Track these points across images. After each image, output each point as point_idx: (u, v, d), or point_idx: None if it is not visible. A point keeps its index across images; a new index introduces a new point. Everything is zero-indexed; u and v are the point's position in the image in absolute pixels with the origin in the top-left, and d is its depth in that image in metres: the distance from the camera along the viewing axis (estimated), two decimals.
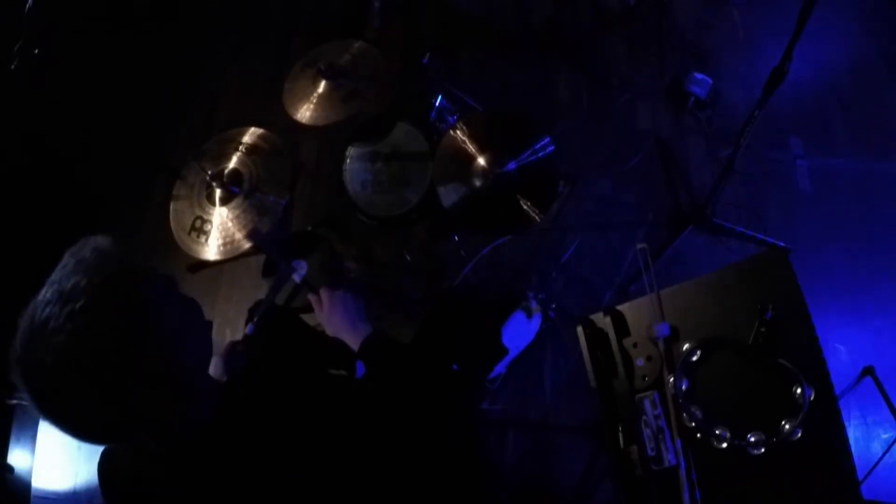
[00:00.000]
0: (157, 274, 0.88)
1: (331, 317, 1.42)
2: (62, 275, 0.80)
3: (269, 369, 1.57)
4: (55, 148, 2.99)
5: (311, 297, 1.48)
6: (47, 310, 0.77)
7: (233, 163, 2.01)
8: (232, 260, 1.96)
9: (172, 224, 1.98)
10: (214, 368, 1.39)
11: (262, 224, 1.88)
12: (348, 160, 2.11)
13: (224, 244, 1.90)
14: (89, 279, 0.78)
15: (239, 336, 1.50)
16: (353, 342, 1.35)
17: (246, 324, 1.78)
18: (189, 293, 0.94)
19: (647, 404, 1.43)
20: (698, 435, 1.36)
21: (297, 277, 1.63)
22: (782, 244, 2.26)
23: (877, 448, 2.00)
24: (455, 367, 1.46)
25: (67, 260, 0.83)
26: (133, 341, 0.79)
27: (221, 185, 1.94)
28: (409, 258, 2.46)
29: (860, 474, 1.28)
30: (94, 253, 0.83)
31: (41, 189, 2.90)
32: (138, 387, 0.80)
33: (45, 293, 0.79)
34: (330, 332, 1.42)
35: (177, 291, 0.91)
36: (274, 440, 0.95)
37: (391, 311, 2.38)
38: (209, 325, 0.99)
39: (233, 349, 1.44)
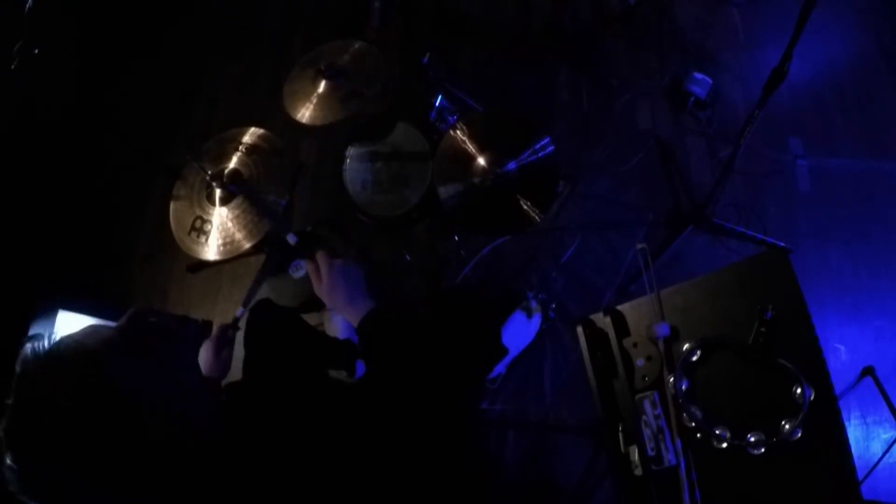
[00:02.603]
0: (117, 342, 0.84)
1: (329, 288, 1.27)
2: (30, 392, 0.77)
3: (271, 372, 1.57)
4: (55, 149, 2.99)
5: (308, 265, 1.32)
6: (28, 413, 0.75)
7: (233, 163, 2.01)
8: (232, 260, 1.96)
9: (172, 224, 1.98)
10: (205, 353, 1.38)
11: (263, 224, 1.88)
12: (348, 160, 2.11)
13: (224, 244, 1.90)
14: (63, 396, 0.76)
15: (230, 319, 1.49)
16: (352, 317, 1.25)
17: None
18: (188, 294, 0.94)
19: (647, 404, 1.43)
20: (698, 435, 1.36)
21: (290, 239, 1.55)
22: (782, 244, 2.26)
23: (877, 448, 2.00)
24: (455, 367, 1.45)
25: (30, 374, 0.79)
26: (116, 427, 0.77)
27: (221, 185, 1.94)
28: (409, 258, 2.46)
29: (860, 474, 1.28)
30: (49, 369, 0.79)
31: (41, 189, 2.90)
32: (133, 459, 0.79)
33: (17, 408, 0.76)
34: (327, 304, 1.31)
35: (145, 336, 0.88)
36: (274, 443, 0.95)
37: (392, 308, 2.38)
38: (197, 341, 0.98)
39: (223, 334, 1.43)
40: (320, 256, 1.30)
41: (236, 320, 1.44)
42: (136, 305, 0.97)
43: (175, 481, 0.89)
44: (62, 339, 0.82)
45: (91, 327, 0.87)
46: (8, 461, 0.74)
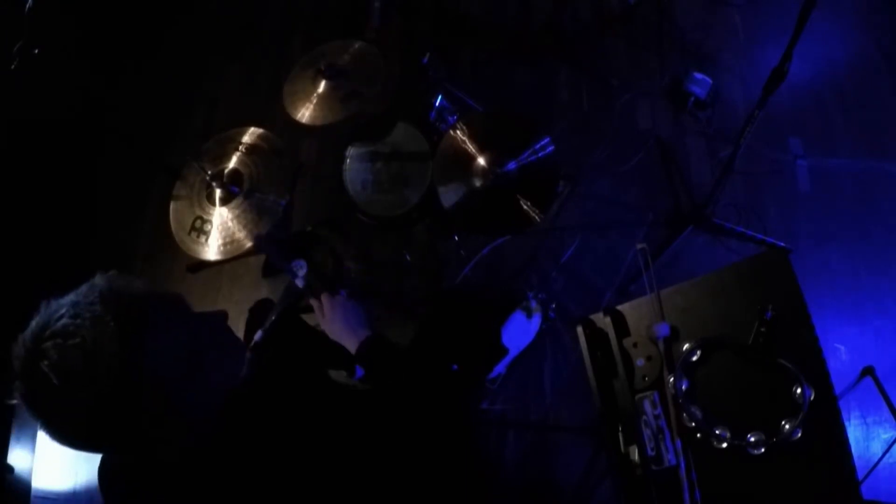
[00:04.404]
0: (174, 309, 0.90)
1: (332, 322, 1.43)
2: (83, 295, 0.81)
3: (272, 372, 1.57)
4: (55, 148, 2.99)
5: (313, 303, 1.50)
6: (60, 322, 0.78)
7: (233, 163, 2.01)
8: (232, 260, 1.97)
9: (172, 224, 1.98)
10: None
11: (263, 224, 1.88)
12: (348, 160, 2.11)
13: (224, 244, 1.90)
14: (105, 307, 0.79)
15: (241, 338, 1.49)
16: (351, 345, 1.37)
17: (247, 326, 1.78)
18: (188, 294, 0.95)
19: (647, 404, 1.43)
20: (698, 435, 1.36)
21: (299, 283, 1.63)
22: (782, 244, 2.26)
23: (877, 448, 2.00)
24: (455, 367, 1.46)
25: (98, 280, 0.84)
26: (133, 379, 0.79)
27: (221, 185, 1.94)
28: (409, 258, 2.46)
29: (860, 474, 1.28)
30: (120, 287, 0.84)
31: (41, 189, 2.90)
32: (133, 418, 0.81)
33: (62, 306, 0.80)
34: (331, 336, 1.44)
35: (196, 323, 0.92)
36: (276, 445, 0.95)
37: (391, 311, 2.38)
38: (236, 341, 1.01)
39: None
40: (324, 296, 1.47)
41: (256, 345, 1.44)
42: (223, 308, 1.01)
43: (175, 478, 0.89)
44: (152, 288, 0.87)
45: (180, 296, 0.93)
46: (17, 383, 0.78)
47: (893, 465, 1.94)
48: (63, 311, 0.79)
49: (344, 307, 1.44)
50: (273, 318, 1.48)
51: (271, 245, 1.87)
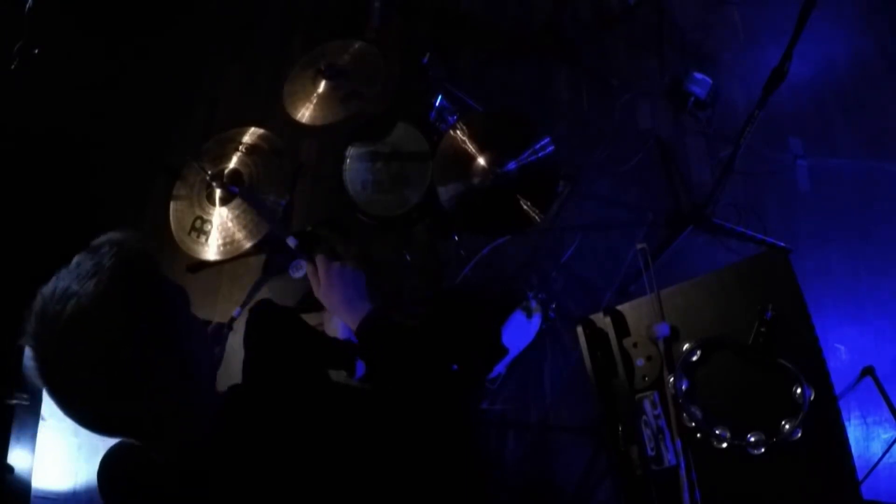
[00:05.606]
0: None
1: (327, 290, 1.29)
2: (92, 251, 0.84)
3: (271, 371, 1.57)
4: (55, 148, 2.99)
5: (308, 268, 1.36)
6: (67, 280, 0.79)
7: (233, 163, 2.01)
8: (232, 260, 1.97)
9: (172, 224, 1.98)
10: None
11: (263, 224, 1.88)
12: (348, 160, 2.11)
13: (224, 244, 1.90)
14: (116, 257, 0.82)
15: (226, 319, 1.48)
16: (351, 320, 1.25)
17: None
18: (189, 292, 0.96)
19: (647, 404, 1.43)
20: (698, 435, 1.36)
21: (291, 242, 1.54)
22: (782, 244, 2.26)
23: (877, 448, 2.00)
24: (455, 367, 1.46)
25: (100, 241, 0.87)
26: (147, 334, 0.79)
27: (221, 185, 1.94)
28: (409, 258, 2.46)
29: (860, 474, 1.28)
30: (126, 240, 0.88)
31: (41, 189, 2.90)
32: (147, 382, 0.80)
33: (71, 265, 0.82)
34: (326, 306, 1.32)
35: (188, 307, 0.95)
36: (276, 446, 0.95)
37: (391, 312, 2.38)
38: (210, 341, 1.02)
39: (218, 331, 1.43)
40: (319, 259, 1.32)
41: (232, 320, 1.43)
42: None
43: (175, 478, 0.89)
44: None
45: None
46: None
47: (893, 465, 1.94)
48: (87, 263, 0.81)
49: (341, 274, 1.28)
50: (251, 289, 1.46)
51: (280, 224, 1.84)
